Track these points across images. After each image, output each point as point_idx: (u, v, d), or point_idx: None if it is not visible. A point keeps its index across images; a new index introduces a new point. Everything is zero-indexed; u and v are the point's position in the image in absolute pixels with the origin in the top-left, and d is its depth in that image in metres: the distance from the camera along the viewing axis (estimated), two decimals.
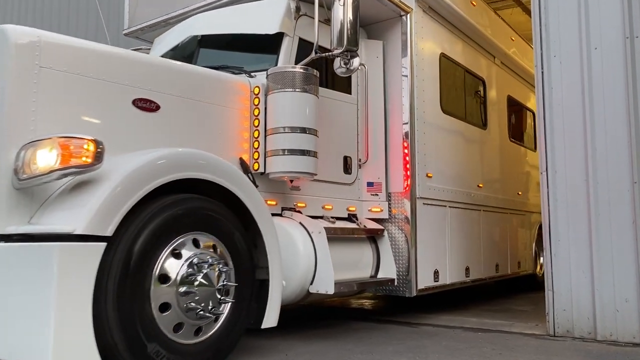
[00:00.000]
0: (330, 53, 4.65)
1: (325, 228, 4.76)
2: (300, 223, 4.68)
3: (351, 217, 5.47)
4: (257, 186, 4.48)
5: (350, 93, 5.67)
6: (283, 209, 4.81)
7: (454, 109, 6.80)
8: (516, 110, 8.85)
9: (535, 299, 7.74)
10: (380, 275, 5.39)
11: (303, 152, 4.54)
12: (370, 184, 5.74)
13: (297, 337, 4.90)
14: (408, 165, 5.74)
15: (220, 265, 3.52)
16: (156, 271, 3.21)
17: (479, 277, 7.02)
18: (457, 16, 6.65)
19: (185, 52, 5.42)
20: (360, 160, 5.69)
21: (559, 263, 4.92)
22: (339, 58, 4.77)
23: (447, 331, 5.24)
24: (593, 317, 4.70)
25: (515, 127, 8.75)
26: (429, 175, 6.01)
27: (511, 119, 8.56)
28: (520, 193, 8.60)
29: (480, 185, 7.22)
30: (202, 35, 5.36)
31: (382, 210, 5.73)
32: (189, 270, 3.35)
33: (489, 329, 5.36)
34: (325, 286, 4.49)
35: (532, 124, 9.56)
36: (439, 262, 6.11)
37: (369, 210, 5.71)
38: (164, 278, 3.26)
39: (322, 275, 4.51)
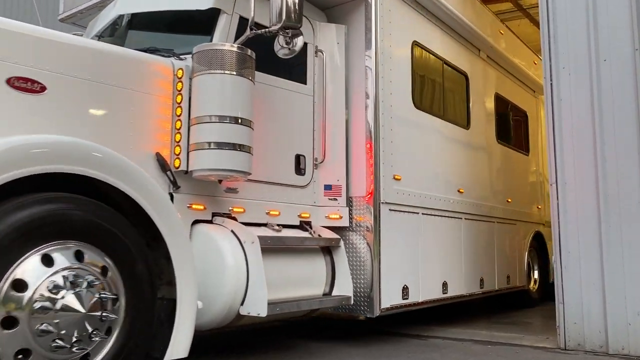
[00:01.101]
0: (267, 29, 3.95)
1: (264, 237, 4.03)
2: (232, 231, 3.95)
3: (303, 225, 4.74)
4: (178, 187, 3.80)
5: (305, 83, 4.96)
6: (214, 214, 4.07)
7: (430, 104, 6.08)
8: (506, 110, 8.12)
9: (545, 311, 7.62)
10: (335, 293, 4.64)
11: (234, 146, 3.81)
12: (328, 187, 5.01)
13: (304, 349, 4.78)
14: (371, 166, 5.01)
15: (106, 292, 2.81)
16: (7, 281, 2.50)
17: (460, 293, 6.25)
18: (432, 0, 5.94)
19: (114, 34, 4.73)
20: (316, 160, 4.97)
21: (569, 276, 4.87)
22: (280, 37, 4.06)
23: (456, 344, 5.17)
24: (604, 330, 4.64)
25: (504, 128, 8.01)
26: (396, 177, 5.27)
27: (500, 120, 7.83)
28: (510, 200, 7.84)
29: (461, 190, 6.47)
30: (132, 15, 4.67)
31: (341, 217, 5.00)
32: (56, 282, 2.63)
33: (498, 342, 5.26)
34: (256, 307, 3.75)
35: (525, 125, 8.83)
36: (409, 277, 5.35)
37: (326, 217, 4.97)
38: (19, 285, 2.55)
39: (254, 294, 3.77)
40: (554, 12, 5.13)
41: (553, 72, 5.10)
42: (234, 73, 3.84)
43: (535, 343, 5.18)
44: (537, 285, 8.92)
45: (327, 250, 4.71)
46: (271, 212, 4.50)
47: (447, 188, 6.19)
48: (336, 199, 5.01)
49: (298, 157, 4.79)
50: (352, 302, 4.60)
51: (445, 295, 5.94)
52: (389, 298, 5.01)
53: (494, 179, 7.43)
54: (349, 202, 5.08)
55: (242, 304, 3.80)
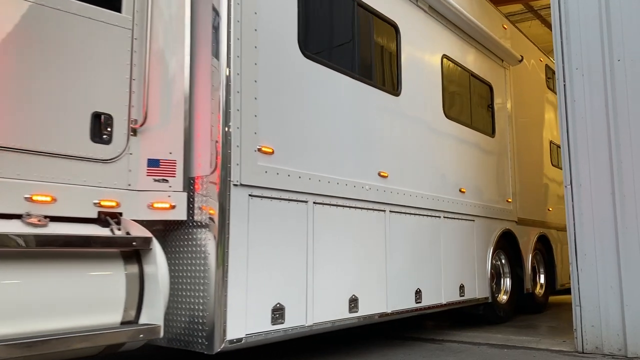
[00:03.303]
0: None
1: None
2: None
3: (105, 218, 3.16)
4: None
5: (118, 10, 3.39)
6: None
7: (332, 54, 4.49)
8: (460, 79, 6.53)
9: (561, 314, 7.67)
10: (143, 320, 3.06)
11: None
12: (153, 163, 3.44)
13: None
14: (218, 132, 3.43)
15: None
16: None
17: (380, 311, 4.66)
18: None
19: None
20: (134, 122, 3.39)
21: (585, 278, 4.85)
22: None
23: (472, 348, 5.12)
24: (623, 333, 4.60)
25: (457, 101, 6.42)
26: (265, 149, 3.68)
27: (450, 90, 6.24)
28: (464, 190, 6.24)
29: (384, 174, 4.88)
30: None
31: (173, 207, 3.42)
32: None
33: (515, 346, 5.21)
34: None
35: (490, 100, 7.23)
36: (287, 293, 3.76)
37: (149, 205, 3.39)
38: None
39: None
40: (566, 13, 5.10)
41: (566, 74, 5.05)
42: None
43: (552, 346, 5.09)
44: (508, 297, 7.29)
45: (136, 256, 3.12)
46: (36, 198, 2.92)
47: (361, 170, 4.61)
48: (167, 181, 3.43)
49: (99, 117, 3.21)
50: (160, 334, 2.99)
51: (354, 315, 4.35)
52: (245, 324, 3.41)
53: (440, 162, 5.84)
54: (189, 184, 3.51)
55: None
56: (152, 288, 3.03)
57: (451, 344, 5.33)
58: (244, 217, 3.48)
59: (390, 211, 4.92)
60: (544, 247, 8.64)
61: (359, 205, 4.53)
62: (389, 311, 4.77)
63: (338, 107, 4.42)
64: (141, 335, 2.88)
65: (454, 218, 6.00)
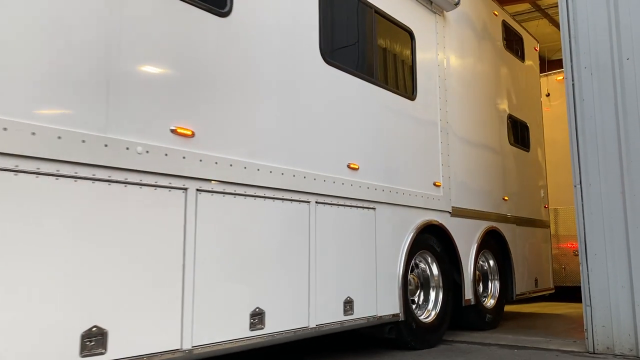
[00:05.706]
0: None
1: None
2: None
3: None
4: None
5: None
6: None
7: None
8: (355, 14, 4.75)
9: (572, 313, 7.72)
10: None
11: None
12: None
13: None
14: None
15: None
16: None
17: (168, 348, 2.87)
18: None
19: None
20: None
21: (596, 278, 4.83)
22: None
23: (482, 348, 5.08)
24: (634, 333, 4.57)
25: (348, 43, 4.63)
26: None
27: (333, 25, 4.47)
28: (356, 167, 4.46)
29: (186, 131, 3.08)
30: None
31: None
32: None
33: (525, 346, 5.17)
34: None
35: (409, 53, 5.44)
36: None
37: None
38: None
39: None
40: (574, 12, 5.10)
41: (574, 72, 5.05)
42: None
43: (563, 347, 5.06)
44: (436, 313, 5.49)
45: None
46: None
47: (127, 120, 2.82)
48: None
49: None
50: None
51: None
52: None
53: (311, 124, 4.06)
54: None
55: None
56: None
57: (460, 344, 5.35)
58: None
59: (198, 190, 3.14)
60: (499, 246, 6.88)
61: (120, 177, 2.74)
62: (186, 348, 2.97)
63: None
64: None
65: (337, 205, 4.22)
